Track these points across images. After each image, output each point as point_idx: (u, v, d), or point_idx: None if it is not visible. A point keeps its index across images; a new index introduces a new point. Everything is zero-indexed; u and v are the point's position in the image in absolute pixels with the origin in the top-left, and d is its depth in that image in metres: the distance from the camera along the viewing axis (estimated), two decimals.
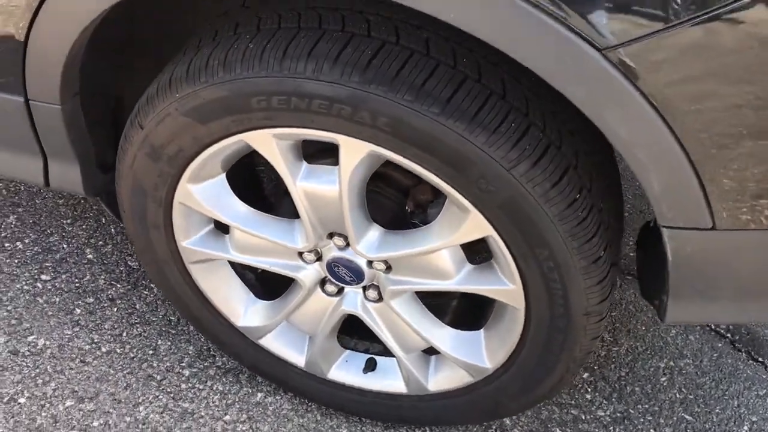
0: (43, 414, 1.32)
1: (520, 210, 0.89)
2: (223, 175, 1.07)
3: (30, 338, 1.43)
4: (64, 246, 1.59)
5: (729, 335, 1.53)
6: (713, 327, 1.54)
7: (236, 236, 1.12)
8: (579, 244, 0.91)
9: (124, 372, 1.39)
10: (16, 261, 1.55)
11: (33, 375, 1.37)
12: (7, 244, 1.58)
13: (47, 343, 1.42)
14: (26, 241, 1.59)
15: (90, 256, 1.58)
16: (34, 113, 1.05)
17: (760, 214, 0.81)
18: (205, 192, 1.06)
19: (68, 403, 1.34)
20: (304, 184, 1.00)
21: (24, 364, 1.38)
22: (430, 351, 1.19)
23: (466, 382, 1.16)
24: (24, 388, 1.35)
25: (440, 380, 1.19)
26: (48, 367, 1.38)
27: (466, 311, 1.19)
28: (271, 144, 0.96)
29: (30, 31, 0.92)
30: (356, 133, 0.89)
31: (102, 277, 1.54)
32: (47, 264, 1.55)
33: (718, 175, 0.77)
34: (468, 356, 1.13)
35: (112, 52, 1.05)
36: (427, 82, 0.84)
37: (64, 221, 1.64)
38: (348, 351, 1.27)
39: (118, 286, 1.53)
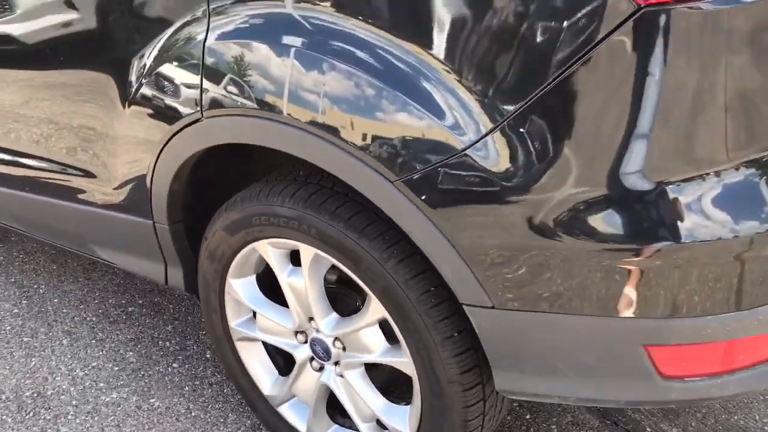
0: None
1: (392, 294, 1.35)
2: (254, 276, 1.67)
3: (151, 400, 2.06)
4: (195, 347, 2.25)
5: None
6: None
7: (258, 319, 1.69)
8: (433, 322, 1.33)
9: (199, 431, 1.95)
10: (161, 353, 2.23)
11: (144, 422, 1.98)
12: (160, 342, 2.29)
13: (160, 404, 2.04)
14: (172, 341, 2.29)
15: (208, 355, 2.21)
16: (158, 231, 1.75)
17: (523, 297, 1.20)
18: (240, 285, 1.66)
19: None
20: (289, 279, 1.56)
21: (141, 415, 2.00)
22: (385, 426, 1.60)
23: None
24: (135, 430, 1.96)
25: None
26: (154, 419, 1.99)
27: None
28: (267, 251, 1.55)
29: (154, 172, 1.62)
30: (304, 240, 1.45)
31: (210, 369, 2.16)
32: (179, 356, 2.21)
33: (480, 263, 1.20)
34: (397, 423, 1.53)
35: (207, 195, 1.72)
36: (338, 209, 1.39)
37: (200, 332, 2.32)
38: (336, 425, 1.71)
39: (218, 376, 2.13)
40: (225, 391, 2.07)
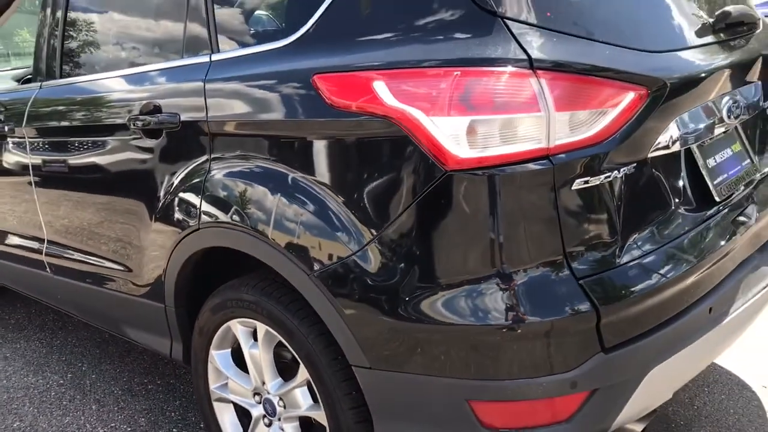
0: None
1: (312, 359, 1.89)
2: (229, 350, 2.23)
3: None
4: (193, 419, 2.79)
5: None
6: None
7: (230, 384, 2.24)
8: (338, 381, 1.86)
9: None
10: (166, 421, 2.78)
11: None
12: (167, 413, 2.84)
13: None
14: (177, 413, 2.83)
15: (201, 425, 2.74)
16: (167, 313, 2.36)
17: (389, 360, 1.72)
18: (219, 355, 2.23)
19: None
20: (250, 350, 2.12)
21: None
22: None
23: None
24: None
25: None
26: None
27: None
28: (237, 328, 2.13)
29: (167, 268, 2.25)
30: (259, 319, 2.02)
31: None
32: (179, 424, 2.75)
33: (360, 335, 1.73)
34: None
35: (205, 286, 2.32)
36: (281, 297, 1.97)
37: None
38: None
39: None
40: None
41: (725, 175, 2.01)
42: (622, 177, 1.67)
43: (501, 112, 1.55)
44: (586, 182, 1.61)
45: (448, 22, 1.61)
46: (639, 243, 1.73)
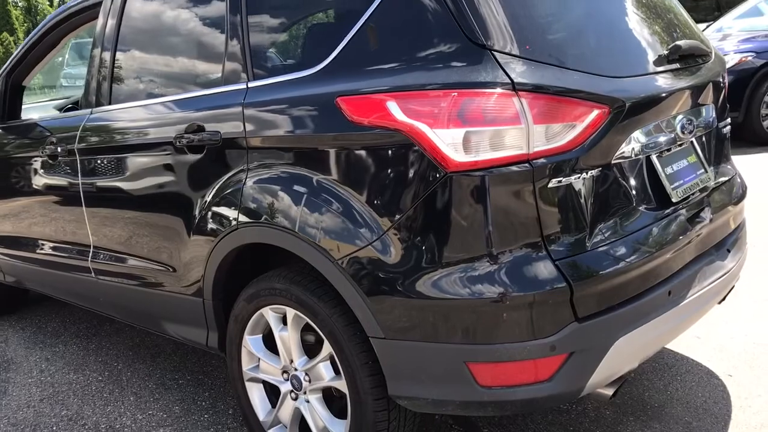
0: None
1: (335, 335, 2.24)
2: (261, 335, 2.59)
3: None
4: (221, 407, 3.13)
5: None
6: None
7: (261, 365, 2.59)
8: (357, 352, 2.21)
9: None
10: (197, 408, 3.11)
11: None
12: (198, 402, 3.17)
13: None
14: (206, 402, 3.17)
15: (230, 412, 3.08)
16: (205, 305, 2.72)
17: (400, 331, 2.07)
18: (251, 340, 2.59)
19: None
20: (280, 333, 2.48)
21: None
22: None
23: None
24: None
25: None
26: None
27: None
28: (269, 314, 2.49)
29: (206, 266, 2.62)
30: (289, 304, 2.38)
31: (229, 419, 3.02)
32: (210, 411, 3.09)
33: (377, 311, 2.09)
34: (338, 430, 2.36)
35: (240, 281, 2.68)
36: (308, 284, 2.33)
37: (227, 398, 3.19)
38: None
39: (235, 424, 2.98)
40: None
41: (681, 181, 2.39)
42: (590, 178, 2.05)
43: (490, 125, 1.93)
44: (560, 181, 1.99)
45: (446, 53, 2.00)
46: (605, 233, 2.10)
